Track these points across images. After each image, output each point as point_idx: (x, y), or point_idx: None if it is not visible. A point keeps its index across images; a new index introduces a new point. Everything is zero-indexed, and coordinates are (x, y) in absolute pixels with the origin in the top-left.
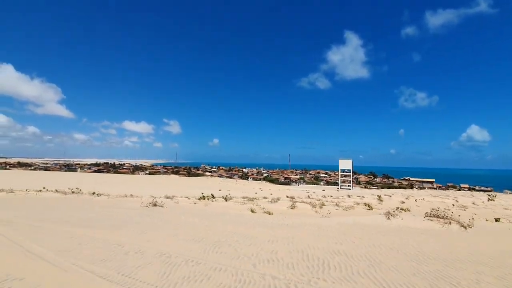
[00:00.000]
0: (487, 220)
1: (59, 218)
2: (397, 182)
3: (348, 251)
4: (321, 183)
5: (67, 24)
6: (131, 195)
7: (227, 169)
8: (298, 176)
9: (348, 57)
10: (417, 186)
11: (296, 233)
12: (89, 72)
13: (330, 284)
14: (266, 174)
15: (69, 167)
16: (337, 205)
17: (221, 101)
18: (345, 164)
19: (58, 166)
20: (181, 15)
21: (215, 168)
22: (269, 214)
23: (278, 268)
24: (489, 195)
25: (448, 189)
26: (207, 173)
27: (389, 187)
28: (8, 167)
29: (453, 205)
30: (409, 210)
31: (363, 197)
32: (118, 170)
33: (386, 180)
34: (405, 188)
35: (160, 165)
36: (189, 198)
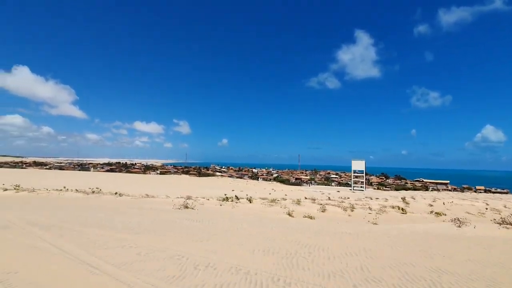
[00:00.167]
0: None
1: (100, 222)
2: (410, 183)
3: (453, 270)
4: (332, 184)
5: (80, 26)
6: (153, 196)
7: (236, 169)
8: (308, 177)
9: (359, 56)
10: (431, 188)
11: (368, 244)
12: (101, 73)
13: None
14: (276, 175)
15: (83, 167)
16: (370, 208)
17: (230, 102)
18: (358, 165)
19: (72, 166)
20: (191, 17)
21: (224, 168)
22: (311, 218)
23: None
24: None
25: (463, 191)
26: (217, 173)
27: (402, 189)
28: (24, 166)
29: (486, 208)
30: (445, 214)
31: (387, 199)
32: (130, 169)
33: (398, 181)
34: (419, 189)
35: (170, 165)
36: (208, 199)
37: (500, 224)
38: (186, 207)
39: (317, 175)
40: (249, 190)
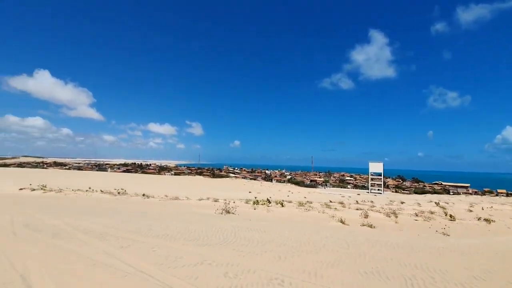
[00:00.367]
0: None
1: (156, 230)
2: (429, 186)
3: None
4: (348, 186)
5: (97, 30)
6: (179, 198)
7: (249, 170)
8: (322, 179)
9: (373, 56)
10: (451, 191)
11: (494, 264)
12: (117, 76)
13: None
14: (289, 176)
15: (100, 167)
16: (416, 215)
17: (242, 103)
18: (375, 167)
19: (90, 166)
20: (206, 18)
21: (237, 169)
22: (371, 227)
23: None
24: None
25: (484, 194)
26: (231, 175)
27: (422, 192)
28: (45, 166)
29: None
30: (493, 221)
31: (419, 204)
32: (145, 170)
33: (416, 184)
34: (440, 193)
35: (184, 166)
36: (234, 202)
37: None
38: (228, 211)
39: (331, 177)
40: (266, 192)
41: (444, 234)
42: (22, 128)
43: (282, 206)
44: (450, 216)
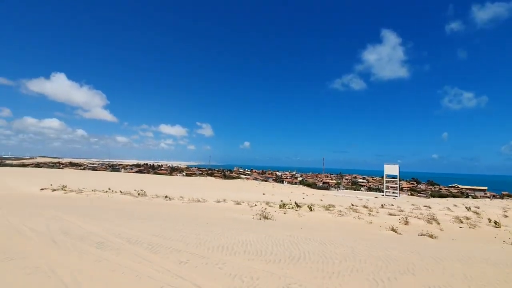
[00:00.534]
0: None
1: (201, 238)
2: (445, 189)
3: None
4: (362, 188)
5: (109, 34)
6: (203, 200)
7: (260, 172)
8: (334, 181)
9: (386, 57)
10: (469, 195)
11: None
12: (130, 78)
13: None
14: (300, 178)
15: (114, 168)
16: (461, 221)
17: (252, 104)
18: (391, 169)
19: (104, 166)
20: (217, 19)
21: (248, 170)
22: (432, 237)
23: None
24: None
25: (503, 197)
26: (242, 176)
27: (439, 196)
28: (61, 166)
29: None
30: None
31: (449, 208)
32: (157, 171)
33: (431, 187)
34: (458, 196)
35: (194, 167)
36: (255, 205)
37: None
38: (265, 217)
39: (343, 179)
40: (279, 194)
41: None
42: (39, 129)
43: (311, 210)
44: (495, 222)
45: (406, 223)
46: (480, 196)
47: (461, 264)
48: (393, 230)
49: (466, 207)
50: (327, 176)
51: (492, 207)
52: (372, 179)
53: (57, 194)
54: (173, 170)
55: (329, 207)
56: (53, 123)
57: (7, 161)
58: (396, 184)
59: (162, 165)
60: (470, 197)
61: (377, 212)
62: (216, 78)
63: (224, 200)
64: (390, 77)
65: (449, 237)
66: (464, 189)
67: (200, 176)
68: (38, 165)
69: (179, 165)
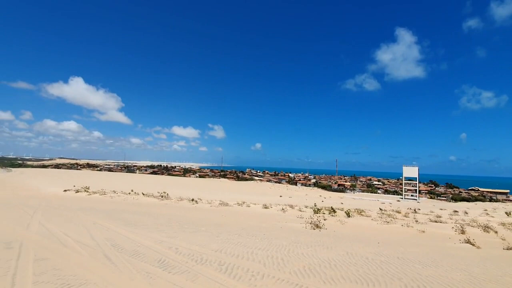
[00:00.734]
0: None
1: (273, 255)
2: (465, 192)
3: None
4: (378, 191)
5: (123, 38)
6: (229, 203)
7: (272, 173)
8: (349, 183)
9: (400, 56)
10: (491, 198)
11: None
12: (144, 81)
13: None
14: (314, 180)
15: (129, 169)
16: None
17: (263, 106)
18: (410, 171)
19: (119, 168)
20: (226, 21)
21: (260, 172)
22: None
23: None
24: None
25: None
26: (256, 178)
27: (461, 199)
28: (79, 167)
29: None
30: None
31: (488, 214)
32: (171, 172)
33: (450, 190)
34: (481, 200)
35: (207, 168)
36: (286, 210)
37: None
38: (318, 226)
39: (358, 182)
40: (297, 197)
41: None
42: (58, 131)
43: (349, 216)
44: None
45: (463, 232)
46: (503, 200)
47: None
48: (469, 242)
49: (505, 213)
50: (341, 178)
51: None
52: (388, 182)
53: (81, 196)
54: (186, 172)
55: (361, 212)
56: (71, 125)
57: (28, 162)
58: (414, 187)
59: (175, 167)
60: (493, 200)
61: (415, 218)
62: (228, 80)
63: (250, 204)
64: (405, 77)
65: None
66: (485, 192)
67: (213, 177)
68: (57, 166)
69: (192, 167)
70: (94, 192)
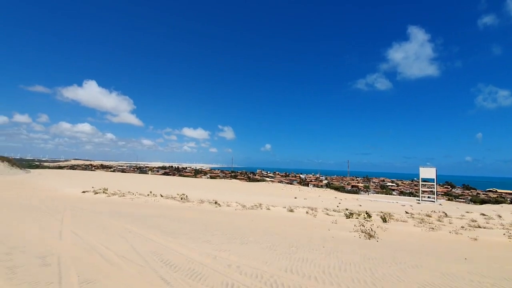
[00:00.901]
0: None
1: (360, 278)
2: (483, 194)
3: None
4: (394, 193)
5: (135, 41)
6: (255, 206)
7: (283, 174)
8: (362, 184)
9: (413, 54)
10: (511, 200)
11: None
12: (155, 84)
13: None
14: (325, 181)
15: (141, 170)
16: None
17: (273, 106)
18: (427, 172)
19: (132, 169)
20: (235, 22)
21: (271, 173)
22: None
23: None
24: None
25: None
26: (267, 179)
27: (481, 202)
28: (93, 168)
29: None
30: None
31: None
32: (182, 173)
33: (468, 191)
34: (503, 202)
35: (217, 169)
36: (316, 213)
37: None
38: (370, 235)
39: (371, 183)
40: (311, 199)
41: None
42: (73, 133)
43: (385, 221)
44: None
45: None
46: None
47: None
48: None
49: None
50: (353, 179)
51: None
52: (402, 183)
53: (100, 197)
54: (197, 173)
55: (391, 216)
56: (85, 127)
57: (45, 163)
58: (430, 188)
59: (186, 168)
60: None
61: (451, 223)
62: (237, 81)
63: (269, 206)
64: (418, 76)
65: None
66: (504, 194)
67: (224, 178)
68: (72, 167)
69: (202, 168)
70: (113, 194)
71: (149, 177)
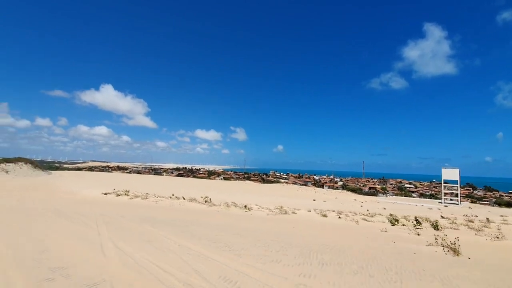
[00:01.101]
0: None
1: None
2: (506, 196)
3: None
4: (413, 195)
5: (148, 44)
6: (288, 211)
7: (296, 175)
8: (378, 186)
9: (429, 52)
10: None
11: None
12: (169, 86)
13: None
14: (341, 183)
15: (156, 171)
16: None
17: (285, 107)
18: (450, 174)
19: (147, 170)
20: (246, 24)
21: (284, 174)
22: None
23: None
24: None
25: None
26: (281, 180)
27: (506, 204)
28: (110, 170)
29: None
30: None
31: None
32: (196, 174)
33: (490, 193)
34: None
35: (230, 171)
36: (354, 218)
37: None
38: (454, 250)
39: (387, 184)
40: (331, 201)
41: None
42: (90, 136)
43: (436, 228)
44: None
45: None
46: None
47: None
48: None
49: None
50: (369, 181)
51: None
52: (420, 184)
53: (123, 200)
54: (210, 174)
55: (437, 222)
56: (102, 130)
57: (64, 165)
58: (451, 190)
59: (199, 169)
60: None
61: (499, 229)
62: (249, 82)
63: (295, 210)
64: (435, 74)
65: None
66: None
67: (237, 180)
68: (90, 168)
69: (215, 169)
70: (135, 196)
71: (164, 179)
